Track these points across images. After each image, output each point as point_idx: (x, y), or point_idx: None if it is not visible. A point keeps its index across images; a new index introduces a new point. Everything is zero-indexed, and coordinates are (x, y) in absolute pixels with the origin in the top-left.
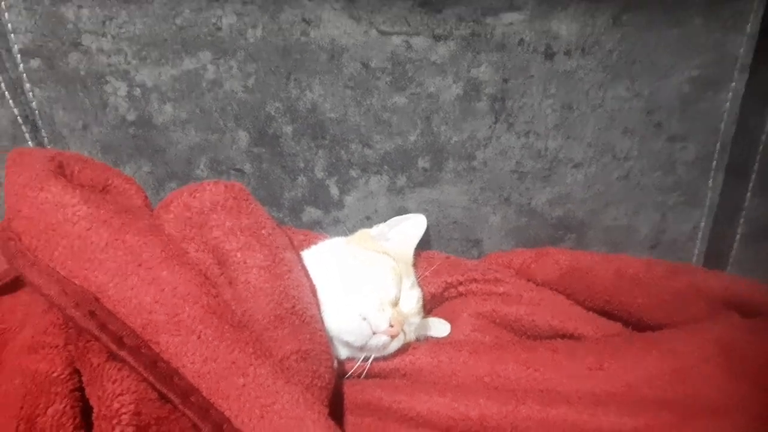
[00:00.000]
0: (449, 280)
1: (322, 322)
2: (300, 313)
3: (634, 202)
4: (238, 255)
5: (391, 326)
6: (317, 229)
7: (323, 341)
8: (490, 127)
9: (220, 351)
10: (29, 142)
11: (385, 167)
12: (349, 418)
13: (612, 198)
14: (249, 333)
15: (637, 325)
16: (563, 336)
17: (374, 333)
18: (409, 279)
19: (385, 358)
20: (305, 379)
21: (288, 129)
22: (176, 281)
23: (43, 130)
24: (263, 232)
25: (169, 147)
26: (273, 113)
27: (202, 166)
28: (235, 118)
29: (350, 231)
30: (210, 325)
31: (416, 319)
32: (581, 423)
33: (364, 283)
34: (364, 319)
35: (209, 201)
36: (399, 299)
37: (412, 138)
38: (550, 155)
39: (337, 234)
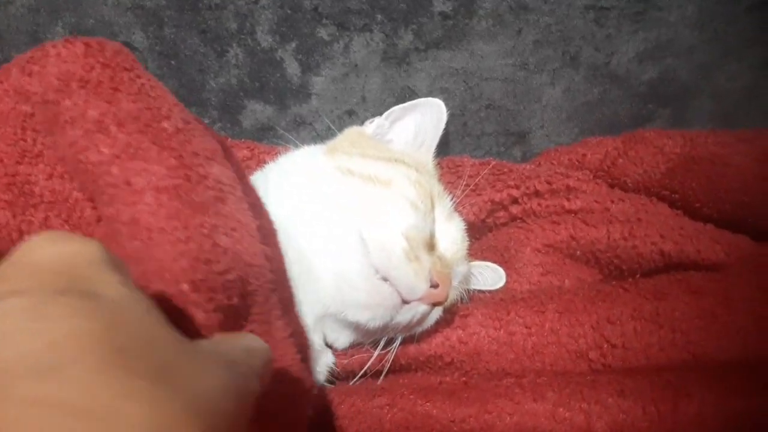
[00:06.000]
0: (497, 198)
1: (293, 296)
2: (236, 283)
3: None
4: (114, 170)
5: (434, 286)
6: (269, 139)
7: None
8: None
9: None
10: None
11: (379, 17)
12: None
13: (735, 42)
14: None
15: None
16: (682, 267)
17: (405, 302)
18: (443, 202)
19: (415, 340)
20: None
21: None
22: None
23: None
24: (165, 125)
25: None
26: None
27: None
28: None
29: (321, 140)
30: None
31: (462, 268)
32: None
33: (376, 216)
34: (385, 279)
35: (57, 76)
36: (434, 237)
37: None
38: None
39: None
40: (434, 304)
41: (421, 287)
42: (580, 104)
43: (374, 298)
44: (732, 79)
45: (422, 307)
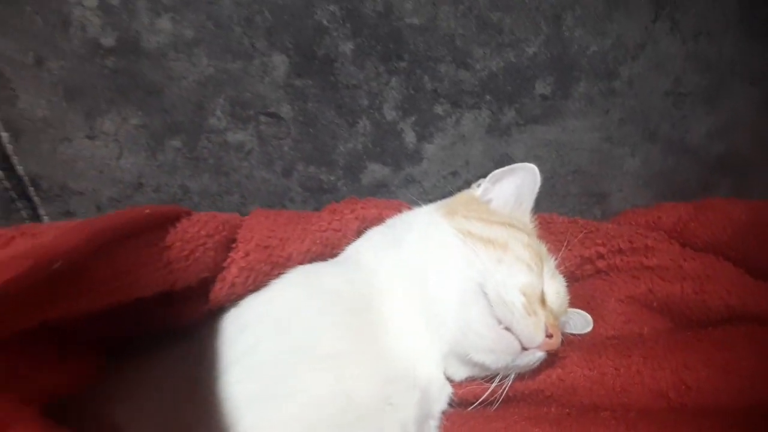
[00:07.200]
0: (586, 254)
1: None
2: None
3: None
4: None
5: (549, 336)
6: (382, 194)
7: None
8: (647, 27)
9: None
10: None
11: (487, 97)
12: None
13: None
14: None
15: None
16: (742, 320)
17: (524, 349)
18: (549, 262)
19: (521, 377)
20: None
21: (347, 47)
22: None
23: None
24: None
25: (167, 84)
26: (325, 22)
27: (218, 112)
28: (267, 33)
29: (427, 195)
30: None
31: (564, 319)
32: None
33: (498, 275)
34: (508, 329)
35: None
36: (544, 293)
37: (531, 50)
38: (723, 66)
39: (406, 200)
40: (549, 351)
41: (539, 338)
42: (656, 172)
43: (498, 344)
44: None
45: (539, 354)
